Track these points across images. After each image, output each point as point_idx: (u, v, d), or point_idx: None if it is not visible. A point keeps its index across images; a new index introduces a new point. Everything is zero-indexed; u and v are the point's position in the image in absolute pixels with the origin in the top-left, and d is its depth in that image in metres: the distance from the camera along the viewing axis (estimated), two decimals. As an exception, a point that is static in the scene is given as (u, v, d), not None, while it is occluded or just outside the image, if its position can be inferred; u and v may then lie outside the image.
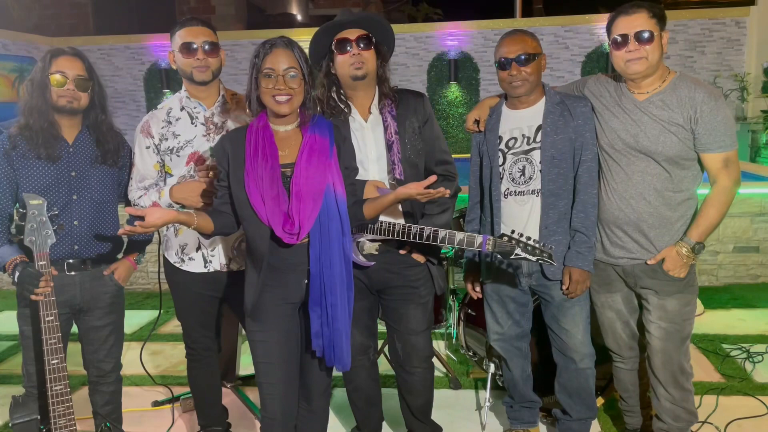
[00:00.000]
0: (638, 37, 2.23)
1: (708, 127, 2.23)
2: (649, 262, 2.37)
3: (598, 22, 8.97)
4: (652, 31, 2.23)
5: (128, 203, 2.56)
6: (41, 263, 2.16)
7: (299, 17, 13.94)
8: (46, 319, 2.17)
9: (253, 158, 2.05)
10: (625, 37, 2.25)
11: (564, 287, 2.44)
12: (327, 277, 2.06)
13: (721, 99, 2.26)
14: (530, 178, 2.42)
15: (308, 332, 2.14)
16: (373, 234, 2.34)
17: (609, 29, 2.32)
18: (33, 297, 2.17)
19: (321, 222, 2.06)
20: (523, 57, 2.34)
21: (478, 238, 2.24)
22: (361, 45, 2.32)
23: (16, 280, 2.21)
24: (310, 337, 2.14)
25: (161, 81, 9.55)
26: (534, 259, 2.20)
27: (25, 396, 2.39)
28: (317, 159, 2.06)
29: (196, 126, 2.48)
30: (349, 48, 2.31)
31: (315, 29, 2.39)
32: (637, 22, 2.24)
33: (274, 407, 2.16)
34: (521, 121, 2.45)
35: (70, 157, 2.37)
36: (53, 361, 2.18)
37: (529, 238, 2.20)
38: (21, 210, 2.15)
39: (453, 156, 2.59)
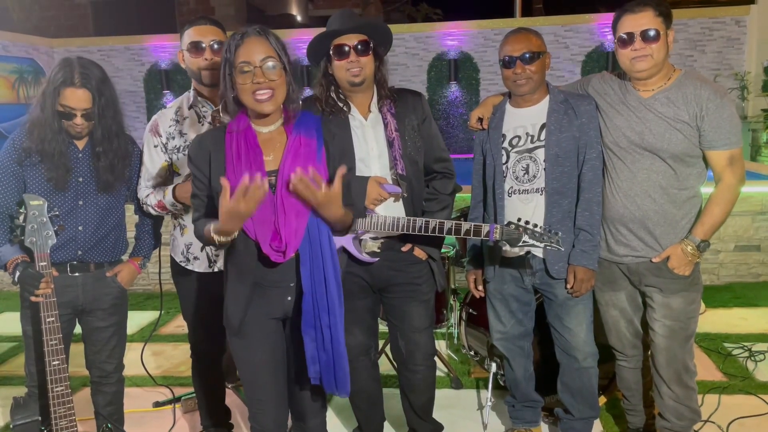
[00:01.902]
0: (644, 35, 2.22)
1: (713, 125, 2.22)
2: (654, 260, 2.36)
3: (598, 21, 8.98)
4: (658, 29, 2.23)
5: (137, 203, 2.56)
6: (42, 264, 2.16)
7: (299, 18, 13.96)
8: (47, 320, 2.16)
9: (236, 165, 1.85)
10: (630, 35, 2.24)
11: (569, 286, 2.44)
12: (320, 296, 1.87)
13: (727, 96, 2.26)
14: (534, 177, 2.42)
15: (297, 349, 2.00)
16: (377, 229, 2.34)
17: (614, 27, 2.32)
18: (33, 298, 2.17)
19: (311, 236, 1.87)
20: (527, 55, 2.34)
21: (485, 227, 2.25)
22: (360, 50, 2.30)
23: (16, 279, 2.21)
24: (298, 356, 2.00)
25: (161, 82, 9.55)
26: (542, 245, 2.20)
27: (26, 397, 2.38)
28: (303, 164, 1.84)
29: (203, 125, 2.48)
30: (347, 54, 2.30)
31: (314, 30, 2.39)
32: (643, 20, 2.23)
33: (266, 421, 2.05)
34: (525, 120, 2.45)
35: (78, 163, 2.36)
36: (54, 362, 2.18)
37: (536, 225, 2.21)
38: (22, 210, 2.15)
39: (453, 156, 2.60)
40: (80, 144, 2.37)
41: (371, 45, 2.32)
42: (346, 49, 2.29)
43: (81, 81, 2.23)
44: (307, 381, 2.00)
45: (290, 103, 1.92)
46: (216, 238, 1.82)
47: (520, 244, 2.21)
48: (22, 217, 2.14)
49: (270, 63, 1.82)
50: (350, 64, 2.29)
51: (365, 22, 2.35)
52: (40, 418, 2.32)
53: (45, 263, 2.16)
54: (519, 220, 2.23)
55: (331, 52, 2.32)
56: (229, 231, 1.80)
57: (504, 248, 2.26)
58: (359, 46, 2.29)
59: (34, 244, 2.14)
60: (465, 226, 2.28)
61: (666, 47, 2.26)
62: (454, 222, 2.29)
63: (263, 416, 2.05)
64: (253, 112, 1.89)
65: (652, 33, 2.22)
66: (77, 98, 2.23)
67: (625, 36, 2.26)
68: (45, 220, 2.15)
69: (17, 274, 2.21)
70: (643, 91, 2.33)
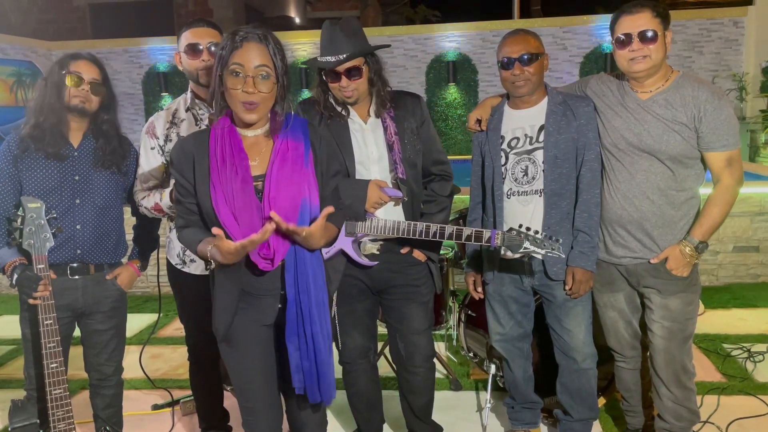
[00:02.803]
0: (642, 36, 2.22)
1: (712, 126, 2.23)
2: (652, 261, 2.36)
3: (596, 22, 9.00)
4: (656, 30, 2.22)
5: (134, 205, 2.56)
6: (40, 266, 2.15)
7: (297, 20, 13.98)
8: (45, 322, 2.16)
9: (220, 169, 1.80)
10: (628, 36, 2.24)
11: (567, 287, 2.44)
12: (305, 304, 1.84)
13: (725, 98, 2.26)
14: (533, 178, 2.42)
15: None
16: (377, 233, 2.33)
17: (612, 28, 2.32)
18: (31, 301, 2.17)
19: (296, 244, 1.85)
20: (525, 56, 2.34)
21: (487, 233, 2.24)
22: (352, 75, 2.27)
23: (14, 282, 2.21)
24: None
25: (159, 84, 9.57)
26: (542, 252, 2.19)
27: (24, 400, 2.38)
28: (290, 168, 1.83)
29: (200, 127, 2.48)
30: (339, 79, 2.28)
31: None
32: (640, 21, 2.23)
33: (259, 429, 2.03)
34: (523, 121, 2.45)
35: (74, 161, 2.37)
36: (52, 365, 2.17)
37: (537, 232, 2.20)
38: (19, 213, 2.15)
39: (452, 158, 2.60)
40: (75, 141, 2.38)
41: (363, 67, 2.29)
42: (338, 75, 2.27)
43: (91, 56, 2.37)
44: (304, 395, 1.96)
45: (277, 115, 1.88)
46: (211, 260, 1.80)
47: (521, 250, 2.20)
48: (19, 220, 2.14)
49: (263, 73, 1.77)
50: (343, 88, 2.29)
51: (354, 52, 2.26)
52: (38, 421, 2.32)
53: (43, 266, 2.16)
54: (520, 226, 2.22)
55: (324, 77, 2.31)
56: (229, 264, 1.78)
57: (504, 254, 2.25)
58: (351, 72, 2.26)
59: (32, 246, 2.14)
60: (466, 231, 2.27)
61: (664, 48, 2.26)
62: (455, 227, 2.28)
63: (256, 424, 2.02)
64: (237, 116, 1.86)
65: (650, 34, 2.22)
66: (88, 68, 2.34)
67: (622, 37, 2.26)
68: (43, 222, 2.15)
69: (15, 276, 2.21)
70: (641, 92, 2.33)
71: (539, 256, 2.25)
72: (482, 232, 2.25)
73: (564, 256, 2.28)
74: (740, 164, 2.30)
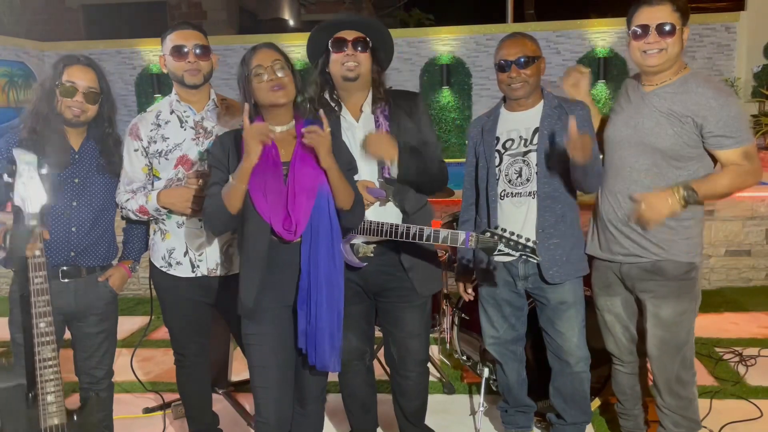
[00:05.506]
0: (660, 29, 2.19)
1: (720, 124, 2.17)
2: (634, 196, 2.22)
3: (590, 27, 9.03)
4: (675, 24, 2.20)
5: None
6: (32, 223, 2.06)
7: (291, 22, 13.95)
8: (35, 280, 2.06)
9: None
10: (645, 27, 2.21)
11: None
12: (313, 277, 2.09)
13: (733, 96, 2.22)
14: (527, 180, 2.42)
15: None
16: (363, 234, 2.33)
17: (629, 20, 2.28)
18: (28, 253, 2.05)
19: (312, 221, 2.09)
20: (522, 60, 2.34)
21: (461, 235, 2.23)
22: (358, 48, 2.31)
23: (6, 245, 2.16)
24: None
25: (152, 86, 9.54)
26: (517, 254, 2.20)
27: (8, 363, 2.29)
28: (311, 156, 2.10)
29: (185, 130, 2.46)
30: (344, 48, 2.30)
31: (307, 34, 2.38)
32: (660, 13, 2.20)
33: (268, 411, 2.16)
34: (518, 123, 2.45)
35: (75, 164, 2.36)
36: (41, 324, 2.08)
37: (512, 233, 2.19)
38: (11, 166, 2.05)
39: (445, 161, 2.58)
40: (75, 144, 2.37)
41: (370, 44, 2.34)
42: (345, 43, 2.30)
43: (87, 60, 2.34)
44: (308, 364, 2.16)
45: (298, 108, 2.18)
46: (240, 175, 2.02)
47: (495, 252, 2.20)
48: (9, 173, 2.04)
49: (279, 65, 2.07)
50: (346, 57, 2.30)
51: (368, 19, 2.38)
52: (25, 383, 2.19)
53: (35, 222, 2.05)
54: (496, 228, 2.21)
55: (329, 45, 2.33)
56: (255, 152, 2.01)
57: (481, 259, 2.25)
58: (358, 43, 2.31)
59: (24, 200, 2.03)
60: (443, 233, 2.26)
61: (680, 43, 2.23)
62: (432, 229, 2.27)
63: (266, 405, 2.16)
64: (267, 113, 2.11)
65: (668, 27, 2.19)
66: (83, 74, 2.30)
67: (639, 29, 2.22)
68: (35, 176, 2.04)
69: (8, 238, 2.14)
70: (647, 85, 2.31)
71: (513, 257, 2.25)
72: (457, 234, 2.24)
73: (540, 259, 2.28)
74: (758, 160, 2.21)
